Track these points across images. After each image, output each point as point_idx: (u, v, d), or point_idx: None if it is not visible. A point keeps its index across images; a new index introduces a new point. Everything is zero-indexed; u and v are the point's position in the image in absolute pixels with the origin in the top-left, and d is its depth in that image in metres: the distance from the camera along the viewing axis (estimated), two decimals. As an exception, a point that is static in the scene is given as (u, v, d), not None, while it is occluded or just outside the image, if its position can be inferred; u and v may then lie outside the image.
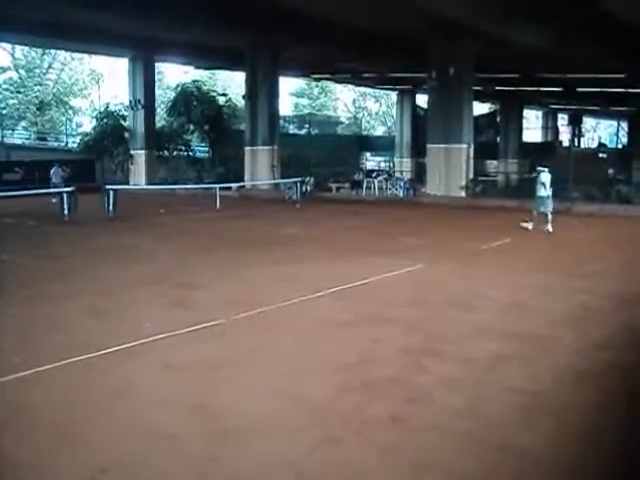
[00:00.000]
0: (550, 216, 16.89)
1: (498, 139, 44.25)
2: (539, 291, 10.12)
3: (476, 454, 4.73)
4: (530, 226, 17.06)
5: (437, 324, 8.19)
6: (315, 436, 4.96)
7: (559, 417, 5.38)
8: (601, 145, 52.28)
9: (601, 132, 71.58)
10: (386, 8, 21.31)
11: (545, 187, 17.12)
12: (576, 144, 51.65)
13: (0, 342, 7.29)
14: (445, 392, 5.88)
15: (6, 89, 52.38)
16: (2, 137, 40.36)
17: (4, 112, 47.99)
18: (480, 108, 47.76)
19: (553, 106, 53.50)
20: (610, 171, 27.44)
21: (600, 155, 36.96)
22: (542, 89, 39.74)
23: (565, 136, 57.09)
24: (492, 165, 41.92)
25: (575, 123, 56.27)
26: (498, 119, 45.46)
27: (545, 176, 17.42)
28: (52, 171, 24.11)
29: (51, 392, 5.83)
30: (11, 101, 51.48)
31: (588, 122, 68.66)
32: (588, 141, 65.07)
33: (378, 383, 6.06)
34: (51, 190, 21.75)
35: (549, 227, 16.81)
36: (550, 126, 58.06)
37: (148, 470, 4.46)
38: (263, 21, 26.17)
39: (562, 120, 60.26)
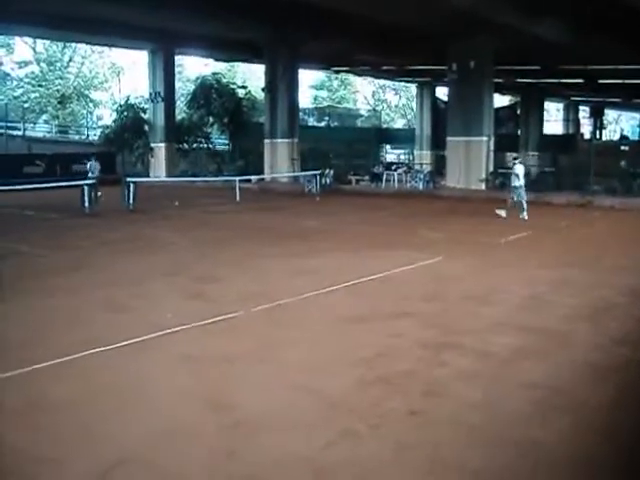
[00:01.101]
0: (525, 205, 17.80)
1: (518, 132, 43.95)
2: (557, 285, 10.07)
3: (492, 449, 4.74)
4: (504, 214, 17.86)
5: (454, 318, 8.18)
6: (332, 430, 4.97)
7: (575, 413, 5.36)
8: (623, 138, 51.76)
9: (623, 124, 70.87)
10: (403, 0, 21.27)
11: (519, 178, 18.17)
12: (597, 137, 51.22)
13: (17, 334, 7.38)
14: (462, 386, 5.88)
15: (28, 83, 52.76)
16: (24, 130, 40.61)
17: (26, 105, 48.29)
18: (500, 100, 47.50)
19: (574, 98, 52.99)
20: (622, 163, 27.16)
21: (622, 148, 36.60)
22: (563, 81, 39.40)
23: (586, 128, 56.62)
24: (512, 158, 41.62)
25: (597, 115, 55.70)
26: (518, 111, 45.11)
27: (519, 167, 18.61)
28: (89, 165, 24.09)
29: (67, 385, 5.88)
30: (33, 95, 51.84)
31: (610, 114, 67.99)
32: (610, 134, 64.46)
33: (395, 377, 6.07)
34: (71, 183, 21.73)
35: (525, 215, 17.67)
36: (571, 118, 57.49)
37: (164, 464, 4.49)
38: (282, 14, 26.18)
39: (583, 112, 59.71)
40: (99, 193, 21.71)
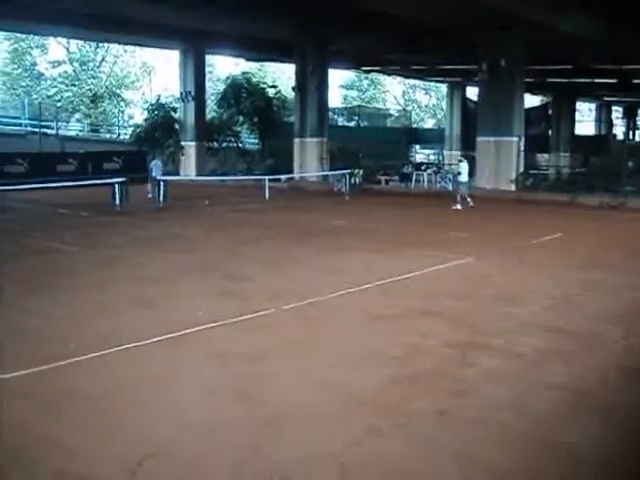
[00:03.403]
0: (458, 197, 20.65)
1: (550, 132, 43.59)
2: (588, 287, 9.99)
3: (520, 449, 4.73)
4: (459, 207, 20.37)
5: (484, 318, 8.16)
6: (359, 428, 4.99)
7: (605, 415, 5.32)
8: (657, 138, 51.14)
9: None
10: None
11: (461, 175, 21.11)
12: (631, 137, 50.66)
13: (50, 329, 7.51)
14: (490, 386, 5.87)
15: (61, 82, 53.46)
16: (57, 129, 41.07)
17: (59, 105, 48.86)
18: (531, 100, 47.13)
19: (607, 98, 52.48)
20: (630, 164, 26.82)
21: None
22: (595, 81, 39.02)
23: (619, 129, 56.03)
24: (543, 158, 41.30)
25: (630, 116, 55.11)
26: (550, 112, 44.76)
27: (463, 166, 21.35)
28: (152, 164, 24.37)
29: (98, 379, 5.97)
30: (66, 94, 52.48)
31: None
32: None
33: (423, 376, 6.08)
34: (102, 181, 21.88)
35: (470, 202, 20.47)
36: (604, 119, 56.95)
37: (192, 458, 4.54)
38: (312, 13, 26.21)
39: (616, 113, 59.09)
40: (150, 195, 21.84)
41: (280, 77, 52.68)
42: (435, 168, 33.22)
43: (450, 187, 27.92)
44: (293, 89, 32.61)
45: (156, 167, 23.87)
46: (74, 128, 49.03)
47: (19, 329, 7.45)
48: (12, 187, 20.02)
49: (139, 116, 45.78)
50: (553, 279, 10.52)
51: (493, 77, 25.42)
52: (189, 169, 33.97)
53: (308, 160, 31.22)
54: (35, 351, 6.67)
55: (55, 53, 55.22)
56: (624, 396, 5.75)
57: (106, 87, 53.89)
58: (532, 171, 29.10)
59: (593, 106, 60.20)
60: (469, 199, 20.66)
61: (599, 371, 6.30)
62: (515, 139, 25.34)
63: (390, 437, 4.88)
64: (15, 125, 42.09)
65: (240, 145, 37.39)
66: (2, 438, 4.82)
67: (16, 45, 53.34)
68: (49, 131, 39.48)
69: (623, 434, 5.06)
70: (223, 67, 55.02)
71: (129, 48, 53.00)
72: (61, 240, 14.02)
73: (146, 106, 37.89)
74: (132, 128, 39.65)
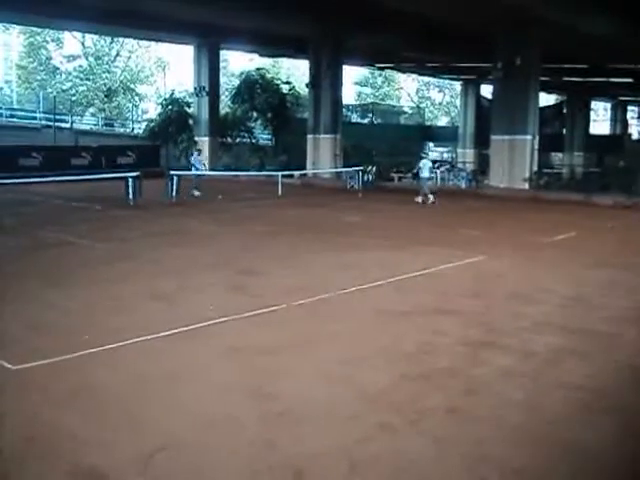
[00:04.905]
0: (427, 190, 21.70)
1: (564, 131, 43.39)
2: (603, 286, 9.93)
3: (532, 449, 4.70)
4: (420, 199, 21.45)
5: (497, 316, 8.12)
6: (370, 424, 4.98)
7: (619, 415, 5.28)
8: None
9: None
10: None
11: (423, 171, 21.90)
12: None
13: (65, 321, 7.55)
14: (503, 385, 5.85)
15: (76, 76, 53.73)
16: (72, 123, 41.26)
17: (74, 99, 49.11)
18: (546, 99, 46.95)
19: (622, 98, 52.20)
20: (621, 163, 26.71)
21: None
22: (611, 80, 38.79)
23: (634, 129, 55.72)
24: (557, 158, 41.15)
25: (646, 116, 54.85)
26: (564, 111, 44.55)
27: (424, 162, 22.34)
28: (193, 157, 24.38)
29: (111, 372, 5.99)
30: (81, 88, 52.75)
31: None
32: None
33: (436, 374, 6.06)
34: (116, 175, 21.90)
35: (431, 198, 21.40)
36: (619, 118, 56.65)
37: (205, 451, 4.55)
38: (327, 9, 26.17)
39: (632, 112, 58.75)
40: (196, 193, 21.87)
41: (294, 73, 52.75)
42: (448, 166, 33.14)
43: (463, 185, 27.91)
44: (307, 85, 32.61)
45: (198, 162, 23.82)
46: (88, 122, 49.24)
47: (33, 322, 7.49)
48: (27, 180, 20.12)
49: (153, 111, 45.93)
50: (567, 278, 10.47)
51: (508, 75, 25.29)
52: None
53: (321, 156, 31.21)
54: (49, 343, 6.70)
55: (70, 47, 55.55)
56: (638, 397, 5.72)
57: (120, 81, 54.10)
58: (546, 170, 28.99)
59: (608, 105, 59.87)
60: (431, 196, 21.46)
61: (613, 372, 6.27)
62: (529, 138, 25.22)
63: (401, 434, 4.88)
64: (30, 119, 42.34)
65: (253, 141, 37.41)
66: (15, 428, 4.85)
67: (31, 39, 53.67)
68: (63, 125, 39.67)
69: (637, 434, 5.03)
70: (237, 62, 55.14)
71: (143, 43, 53.21)
72: (75, 234, 14.07)
73: (160, 101, 37.99)
74: (146, 123, 39.77)
